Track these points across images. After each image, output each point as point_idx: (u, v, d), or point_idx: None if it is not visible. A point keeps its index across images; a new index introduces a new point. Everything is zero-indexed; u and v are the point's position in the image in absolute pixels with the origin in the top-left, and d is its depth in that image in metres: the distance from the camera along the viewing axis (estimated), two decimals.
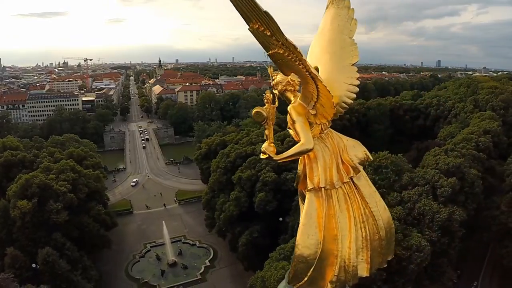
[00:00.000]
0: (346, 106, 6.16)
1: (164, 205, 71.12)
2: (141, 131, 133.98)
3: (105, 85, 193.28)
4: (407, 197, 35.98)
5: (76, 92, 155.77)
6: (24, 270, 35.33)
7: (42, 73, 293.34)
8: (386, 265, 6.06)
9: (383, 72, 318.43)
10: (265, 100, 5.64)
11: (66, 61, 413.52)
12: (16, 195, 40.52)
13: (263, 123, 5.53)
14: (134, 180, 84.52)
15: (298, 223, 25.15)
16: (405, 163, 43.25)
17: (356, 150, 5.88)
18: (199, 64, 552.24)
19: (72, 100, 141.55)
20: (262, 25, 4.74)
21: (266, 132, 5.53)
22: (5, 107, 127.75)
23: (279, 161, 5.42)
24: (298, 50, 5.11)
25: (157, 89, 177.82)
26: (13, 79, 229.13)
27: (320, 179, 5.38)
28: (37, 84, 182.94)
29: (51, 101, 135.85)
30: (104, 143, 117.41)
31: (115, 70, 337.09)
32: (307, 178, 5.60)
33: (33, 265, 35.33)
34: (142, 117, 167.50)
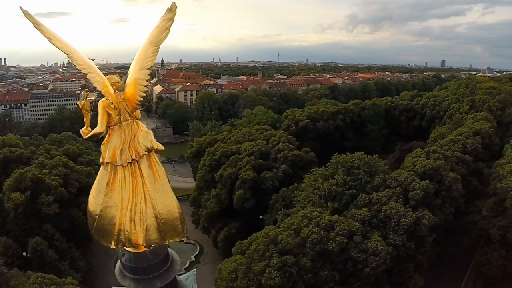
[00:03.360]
0: (138, 102, 7.41)
1: None
2: None
3: None
4: (376, 199, 35.25)
5: (78, 92, 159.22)
6: (16, 258, 38.02)
7: (46, 73, 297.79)
8: (167, 243, 7.14)
9: (386, 72, 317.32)
10: (84, 96, 7.59)
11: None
12: (11, 188, 43.15)
13: (82, 112, 7.40)
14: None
15: (274, 220, 27.72)
16: (381, 164, 42.13)
17: (144, 139, 7.09)
18: (202, 64, 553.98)
19: (74, 99, 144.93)
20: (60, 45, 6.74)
21: (85, 119, 7.38)
22: (8, 106, 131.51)
23: (86, 139, 7.19)
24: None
25: (157, 88, 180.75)
26: (17, 79, 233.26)
27: (106, 156, 6.98)
28: (41, 84, 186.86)
29: (52, 101, 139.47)
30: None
31: (119, 70, 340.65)
32: (101, 155, 7.28)
33: (24, 254, 37.98)
34: (142, 109, 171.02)
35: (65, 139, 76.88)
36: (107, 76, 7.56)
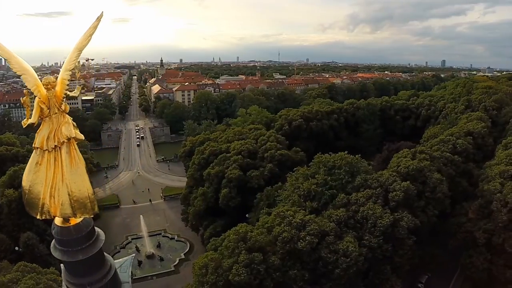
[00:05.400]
0: (63, 99, 8.54)
1: (150, 200, 74.58)
2: (137, 130, 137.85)
3: (106, 84, 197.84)
4: (354, 199, 34.76)
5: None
6: (9, 253, 39.53)
7: (46, 73, 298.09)
8: (78, 217, 8.36)
9: (386, 72, 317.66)
10: (25, 93, 8.91)
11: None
12: (5, 185, 44.59)
13: (24, 106, 8.83)
14: None
15: (257, 219, 29.25)
16: (364, 165, 41.35)
17: (65, 129, 8.28)
18: (203, 63, 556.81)
19: (73, 99, 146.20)
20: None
21: (26, 112, 8.73)
22: (7, 105, 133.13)
23: (24, 128, 8.55)
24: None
25: (155, 88, 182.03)
26: (17, 79, 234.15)
27: (37, 142, 8.17)
28: None
29: None
30: (101, 141, 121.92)
31: (119, 70, 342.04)
32: (34, 141, 8.47)
33: (16, 248, 39.46)
34: (140, 108, 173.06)
35: None
36: (45, 77, 8.90)
